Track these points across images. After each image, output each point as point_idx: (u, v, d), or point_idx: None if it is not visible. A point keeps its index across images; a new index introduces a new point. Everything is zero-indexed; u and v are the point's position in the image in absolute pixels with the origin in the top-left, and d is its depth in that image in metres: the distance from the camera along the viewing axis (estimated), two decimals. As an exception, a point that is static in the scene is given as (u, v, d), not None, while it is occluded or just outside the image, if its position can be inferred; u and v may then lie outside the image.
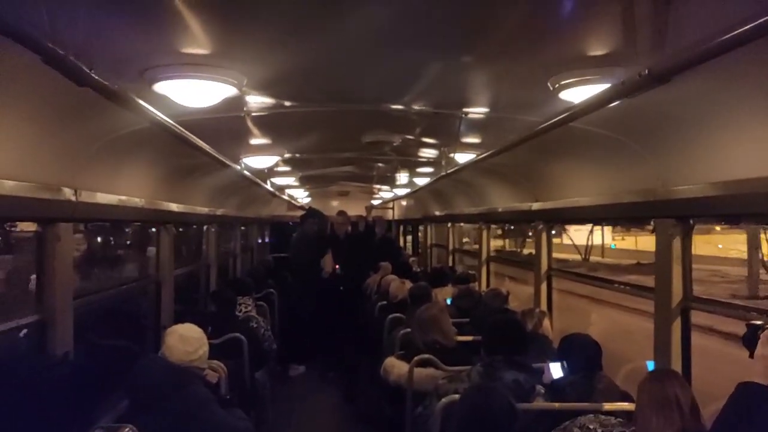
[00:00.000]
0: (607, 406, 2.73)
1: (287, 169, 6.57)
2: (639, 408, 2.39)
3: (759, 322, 1.89)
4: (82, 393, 2.74)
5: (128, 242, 5.79)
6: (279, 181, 7.45)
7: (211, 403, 2.88)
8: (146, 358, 2.94)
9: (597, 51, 2.05)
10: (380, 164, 6.70)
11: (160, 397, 2.76)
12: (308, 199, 11.25)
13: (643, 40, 1.44)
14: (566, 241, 27.57)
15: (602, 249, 30.42)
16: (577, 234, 26.65)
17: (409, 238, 13.04)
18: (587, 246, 27.18)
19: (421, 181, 7.13)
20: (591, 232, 26.63)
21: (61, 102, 2.32)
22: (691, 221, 3.03)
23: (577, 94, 2.28)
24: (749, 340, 1.87)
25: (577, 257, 25.95)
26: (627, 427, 2.39)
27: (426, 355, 3.64)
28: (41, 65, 1.38)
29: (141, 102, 1.89)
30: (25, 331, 2.95)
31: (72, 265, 3.09)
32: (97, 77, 1.41)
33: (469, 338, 4.20)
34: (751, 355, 1.86)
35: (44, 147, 2.59)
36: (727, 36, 1.11)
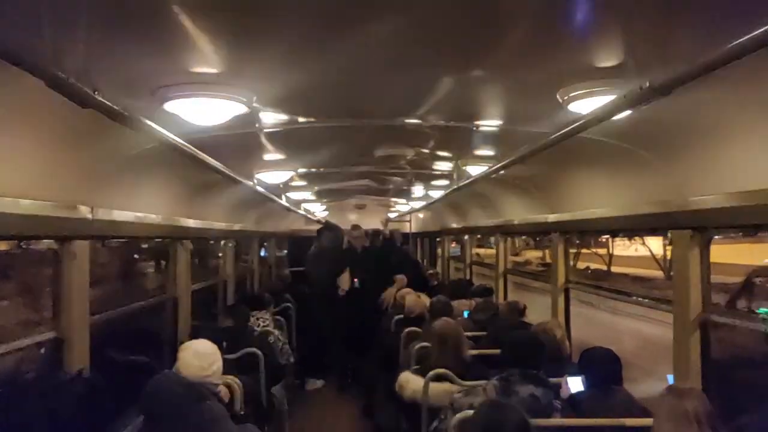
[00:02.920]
0: (628, 421, 2.68)
1: (303, 183, 6.61)
2: (657, 423, 2.34)
3: None
4: (97, 409, 2.77)
5: (147, 258, 5.86)
6: (295, 195, 7.49)
7: (225, 419, 2.88)
8: (160, 374, 2.95)
9: (604, 63, 2.04)
10: (396, 177, 6.71)
11: (174, 413, 2.76)
12: (325, 213, 11.29)
13: (644, 53, 1.43)
14: (620, 251, 22.56)
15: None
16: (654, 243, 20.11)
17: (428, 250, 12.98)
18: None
19: (436, 194, 7.12)
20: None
21: (76, 121, 2.36)
22: (710, 232, 2.98)
23: (586, 105, 2.26)
24: None
25: (656, 273, 19.50)
26: None
27: (441, 370, 3.61)
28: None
29: (148, 122, 1.92)
30: (43, 348, 2.99)
31: (88, 282, 3.13)
32: (100, 98, 1.44)
33: (486, 352, 4.16)
34: None
35: (61, 166, 2.64)
36: (726, 48, 1.10)
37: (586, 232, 4.61)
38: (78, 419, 2.63)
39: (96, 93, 1.39)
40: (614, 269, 21.37)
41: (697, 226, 2.96)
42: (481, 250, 9.79)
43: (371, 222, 9.60)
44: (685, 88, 1.68)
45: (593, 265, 20.82)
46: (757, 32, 1.02)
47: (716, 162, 2.74)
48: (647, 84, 1.37)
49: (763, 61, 1.76)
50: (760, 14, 1.03)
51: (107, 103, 1.49)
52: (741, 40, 1.06)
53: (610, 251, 22.92)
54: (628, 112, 2.01)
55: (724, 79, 2.03)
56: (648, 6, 1.39)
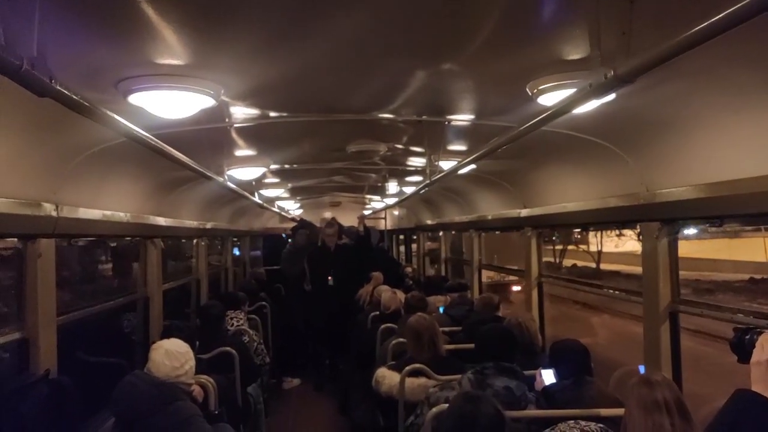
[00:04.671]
0: (603, 412, 2.71)
1: (275, 180, 6.56)
2: (628, 413, 2.37)
3: (746, 327, 1.84)
4: (63, 412, 2.70)
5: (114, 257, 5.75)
6: (268, 192, 7.43)
7: (198, 418, 2.84)
8: (131, 374, 2.89)
9: (570, 55, 2.06)
10: (370, 174, 6.70)
11: (145, 414, 2.72)
12: (300, 211, 11.23)
13: (608, 43, 1.45)
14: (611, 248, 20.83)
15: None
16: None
17: (403, 247, 13.00)
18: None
19: (410, 190, 7.14)
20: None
21: (38, 115, 2.30)
22: (677, 224, 3.04)
23: (554, 98, 2.28)
24: (738, 346, 1.81)
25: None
26: None
27: (417, 365, 3.61)
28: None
29: (109, 113, 1.87)
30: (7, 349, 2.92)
31: (54, 281, 3.05)
32: (58, 87, 1.39)
33: (461, 346, 4.17)
34: (740, 361, 1.80)
35: (23, 162, 2.57)
36: (686, 34, 1.12)
37: (558, 226, 4.66)
38: (44, 422, 2.56)
39: (53, 81, 1.34)
40: (604, 266, 20.16)
41: (664, 218, 3.01)
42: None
43: (347, 219, 9.57)
44: (649, 81, 1.71)
45: (580, 263, 20.44)
46: (715, 18, 1.04)
47: (682, 155, 2.79)
48: (612, 72, 1.39)
49: (723, 52, 1.81)
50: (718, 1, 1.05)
51: (65, 92, 1.44)
52: (701, 26, 1.08)
53: (599, 247, 21.61)
54: (595, 104, 2.03)
55: (687, 72, 2.09)
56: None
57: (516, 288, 7.00)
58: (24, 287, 2.89)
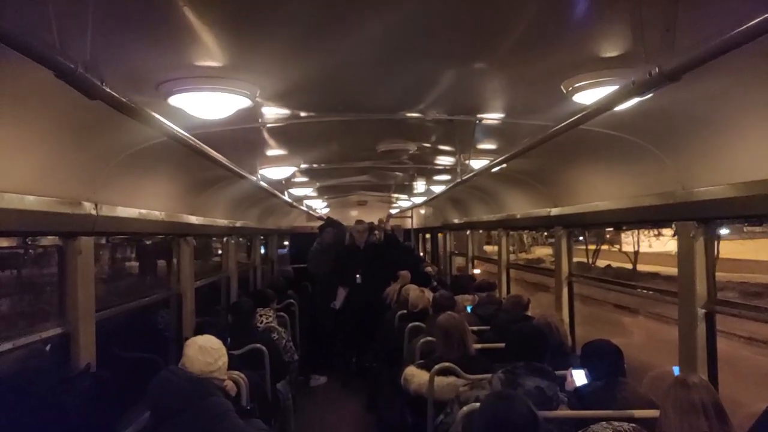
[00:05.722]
0: (636, 413, 2.67)
1: (304, 179, 6.62)
2: (663, 414, 2.34)
3: None
4: (104, 405, 2.77)
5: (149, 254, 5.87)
6: (297, 191, 7.50)
7: (231, 413, 2.88)
8: (166, 369, 2.95)
9: (609, 53, 2.04)
10: (397, 173, 6.71)
11: (180, 409, 2.77)
12: (327, 210, 11.29)
13: (652, 40, 1.43)
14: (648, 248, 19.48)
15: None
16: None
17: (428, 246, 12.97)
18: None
19: (438, 189, 7.12)
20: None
21: (79, 117, 2.37)
22: (714, 223, 2.98)
23: (591, 96, 2.26)
24: None
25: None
26: None
27: (446, 364, 3.61)
28: (57, 81, 1.41)
29: (154, 114, 1.92)
30: (49, 344, 3.00)
31: (93, 278, 3.13)
32: (108, 90, 1.44)
33: (490, 345, 4.16)
34: None
35: (64, 162, 2.64)
36: (736, 31, 1.10)
37: (590, 225, 4.60)
38: (86, 415, 2.64)
39: (103, 84, 1.39)
40: (641, 268, 19.40)
41: (701, 217, 2.95)
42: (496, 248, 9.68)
43: (373, 218, 9.60)
44: (687, 78, 1.69)
45: (615, 263, 19.72)
46: (764, 16, 1.02)
47: (720, 152, 2.73)
48: (656, 70, 1.37)
49: (765, 48, 1.77)
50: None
51: (115, 95, 1.49)
52: (751, 23, 1.06)
53: (635, 247, 20.93)
54: (633, 102, 2.01)
55: (726, 69, 2.04)
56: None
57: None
58: (64, 284, 2.98)
